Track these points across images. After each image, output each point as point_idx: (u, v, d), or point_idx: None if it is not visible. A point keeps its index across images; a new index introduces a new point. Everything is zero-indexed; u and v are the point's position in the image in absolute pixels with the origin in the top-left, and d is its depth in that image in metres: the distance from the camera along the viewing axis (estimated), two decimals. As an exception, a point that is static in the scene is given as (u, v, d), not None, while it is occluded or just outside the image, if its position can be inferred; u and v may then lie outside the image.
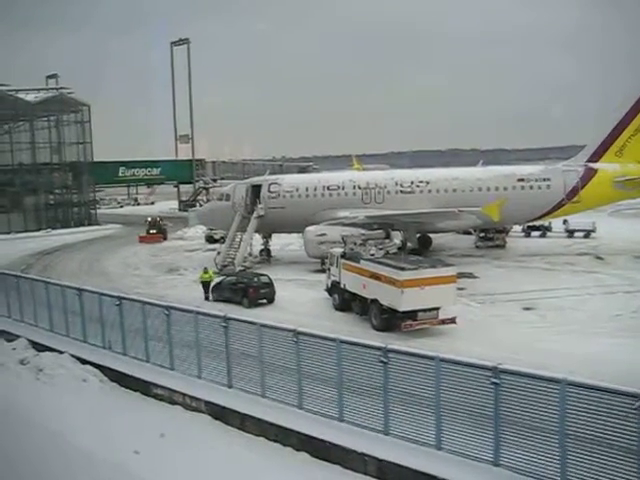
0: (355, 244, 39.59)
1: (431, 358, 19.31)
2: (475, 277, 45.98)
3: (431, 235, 59.64)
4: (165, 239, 79.59)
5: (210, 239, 71.68)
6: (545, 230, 66.33)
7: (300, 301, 40.94)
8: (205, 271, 43.35)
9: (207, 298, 41.84)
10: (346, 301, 37.32)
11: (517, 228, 65.22)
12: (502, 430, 17.72)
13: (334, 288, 38.61)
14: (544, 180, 55.02)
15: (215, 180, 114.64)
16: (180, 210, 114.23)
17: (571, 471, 16.46)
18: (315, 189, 56.96)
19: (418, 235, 56.11)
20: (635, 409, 15.63)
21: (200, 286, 43.04)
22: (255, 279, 41.69)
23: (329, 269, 39.70)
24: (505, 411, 17.69)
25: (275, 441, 21.85)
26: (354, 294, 36.24)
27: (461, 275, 39.31)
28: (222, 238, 61.43)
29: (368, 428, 20.60)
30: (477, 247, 60.10)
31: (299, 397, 22.64)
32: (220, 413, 24.05)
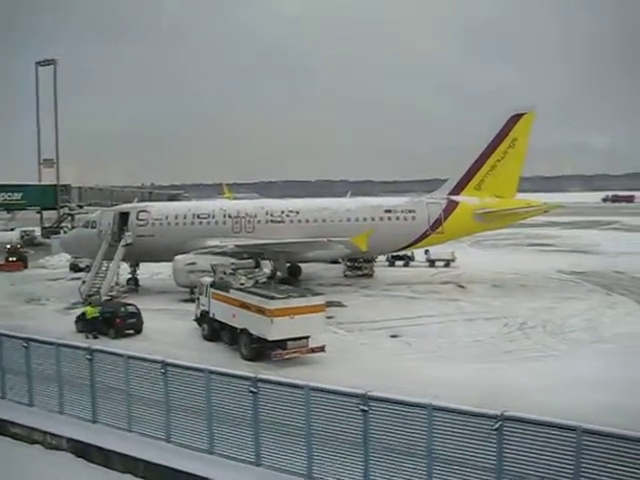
0: (225, 273, 39.30)
1: (301, 387, 19.43)
2: (344, 306, 46.74)
3: (301, 264, 60.18)
4: (26, 267, 75.76)
5: (75, 267, 68.87)
6: (408, 260, 68.49)
7: (169, 331, 40.06)
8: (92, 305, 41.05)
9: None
10: (215, 331, 36.90)
11: (381, 258, 66.91)
12: (372, 456, 18.03)
13: (203, 318, 38.12)
14: (409, 212, 57.00)
15: (81, 206, 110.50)
16: (43, 237, 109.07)
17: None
18: (185, 217, 56.21)
19: (288, 264, 56.47)
20: (495, 430, 16.38)
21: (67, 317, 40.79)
22: (122, 309, 40.46)
23: (198, 298, 39.21)
24: (374, 437, 18.03)
25: (143, 477, 21.15)
26: (224, 324, 35.91)
27: (330, 304, 39.88)
28: (87, 267, 59.15)
29: (239, 460, 20.39)
30: (346, 276, 61.16)
31: (167, 430, 22.10)
32: (83, 450, 23.03)
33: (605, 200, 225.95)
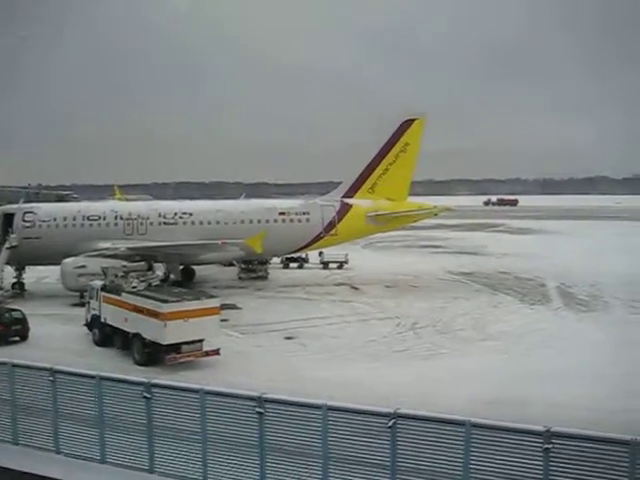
0: (116, 276, 38.29)
1: (195, 391, 19.23)
2: (238, 308, 46.55)
3: (195, 267, 59.50)
4: None
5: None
6: (302, 262, 68.97)
7: (57, 337, 38.65)
8: None
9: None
10: (107, 336, 35.93)
11: (276, 260, 67.13)
12: (268, 458, 18.07)
13: (94, 322, 37.05)
14: (303, 214, 57.45)
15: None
16: None
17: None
18: (74, 219, 54.42)
19: (181, 267, 55.72)
20: (388, 427, 16.78)
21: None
22: (6, 315, 38.70)
23: (89, 303, 38.08)
24: (270, 439, 18.07)
25: (30, 492, 20.33)
26: (115, 328, 35.04)
27: (225, 307, 39.61)
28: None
29: (132, 468, 19.95)
30: (240, 279, 60.88)
31: (56, 441, 21.32)
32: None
33: (487, 204, 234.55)
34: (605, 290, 52.63)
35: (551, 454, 15.67)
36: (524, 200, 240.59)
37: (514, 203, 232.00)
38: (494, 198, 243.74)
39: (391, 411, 16.97)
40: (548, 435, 15.69)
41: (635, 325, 40.83)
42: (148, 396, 19.66)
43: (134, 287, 36.12)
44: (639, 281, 55.87)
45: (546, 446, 15.65)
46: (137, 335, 32.83)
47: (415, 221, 67.25)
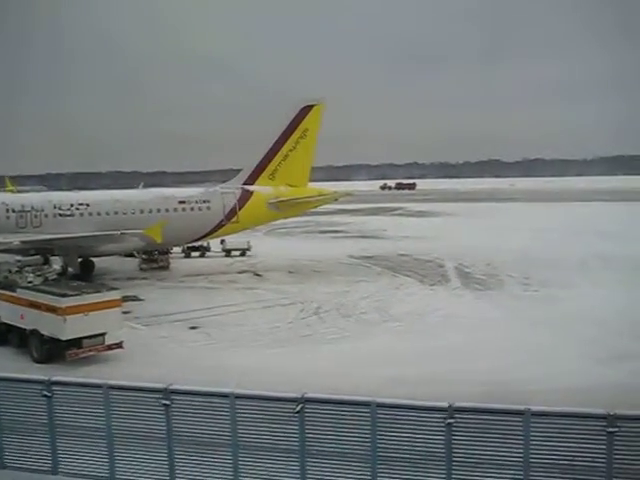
0: (10, 272, 36.68)
1: (99, 386, 18.77)
2: (140, 300, 45.65)
3: (94, 259, 57.86)
4: None
5: None
6: (204, 250, 68.23)
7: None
8: None
9: None
10: (2, 334, 34.44)
11: (177, 249, 66.19)
12: (177, 450, 17.90)
13: (-13, 321, 35.48)
14: (204, 202, 56.84)
15: None
16: None
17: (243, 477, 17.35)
18: (-39, 213, 51.80)
19: (80, 259, 54.08)
20: (296, 412, 16.94)
21: None
22: None
23: (-20, 301, 36.40)
24: (178, 431, 17.90)
25: None
26: (11, 325, 33.66)
27: (126, 298, 38.85)
28: None
29: (33, 470, 19.26)
30: (141, 269, 59.67)
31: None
32: None
33: (383, 188, 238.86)
34: (500, 268, 54.84)
35: (453, 428, 16.24)
36: (422, 184, 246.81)
37: (412, 187, 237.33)
38: (390, 182, 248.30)
39: (298, 396, 17.11)
40: (451, 410, 16.24)
41: (528, 301, 42.78)
42: (48, 394, 19.02)
43: (30, 282, 34.78)
44: (530, 257, 58.84)
45: (449, 421, 16.20)
46: (35, 332, 31.66)
47: (316, 207, 67.89)
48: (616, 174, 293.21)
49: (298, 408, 16.97)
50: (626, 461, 15.57)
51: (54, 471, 19.08)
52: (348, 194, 79.38)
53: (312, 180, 63.49)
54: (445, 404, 16.41)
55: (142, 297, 46.44)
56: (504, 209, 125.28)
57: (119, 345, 31.83)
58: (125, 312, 35.40)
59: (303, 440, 17.04)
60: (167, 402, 17.87)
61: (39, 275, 36.29)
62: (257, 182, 59.24)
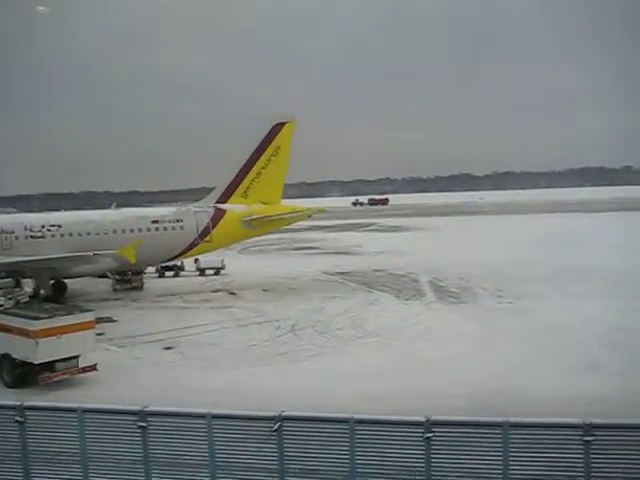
0: (-20, 296, 36.31)
1: (73, 410, 18.50)
2: (114, 321, 45.19)
3: (66, 280, 57.22)
4: None
5: None
6: (178, 270, 67.82)
7: None
8: None
9: None
10: (-28, 359, 33.91)
11: (151, 269, 65.73)
12: (154, 473, 17.68)
13: (-43, 346, 34.86)
14: (177, 221, 56.59)
15: None
16: None
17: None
18: None
19: (52, 281, 53.46)
20: (274, 431, 16.85)
21: None
22: None
23: (-50, 325, 35.78)
24: (155, 453, 17.69)
25: None
26: (-19, 350, 33.14)
27: (100, 320, 38.39)
28: None
29: (6, 497, 18.92)
30: (115, 290, 59.14)
31: None
32: None
33: (355, 204, 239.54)
34: (473, 282, 55.16)
35: (432, 442, 16.24)
36: (394, 199, 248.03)
37: (385, 202, 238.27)
38: (362, 198, 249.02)
39: (276, 414, 17.02)
40: (428, 424, 16.25)
41: (502, 313, 43.09)
42: (21, 420, 18.70)
43: (1, 305, 34.35)
44: (501, 271, 59.33)
45: (427, 435, 16.20)
46: (6, 356, 31.15)
47: (289, 224, 67.78)
48: (584, 185, 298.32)
49: (276, 427, 16.89)
50: (603, 469, 15.70)
51: (28, 498, 18.73)
52: (321, 211, 79.45)
53: (285, 197, 63.52)
54: (422, 418, 16.42)
55: (116, 318, 45.99)
56: (475, 222, 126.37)
57: (93, 367, 31.41)
58: (99, 334, 35.06)
59: (282, 458, 16.93)
60: (143, 424, 17.67)
61: (10, 298, 35.90)
62: (230, 200, 59.13)
